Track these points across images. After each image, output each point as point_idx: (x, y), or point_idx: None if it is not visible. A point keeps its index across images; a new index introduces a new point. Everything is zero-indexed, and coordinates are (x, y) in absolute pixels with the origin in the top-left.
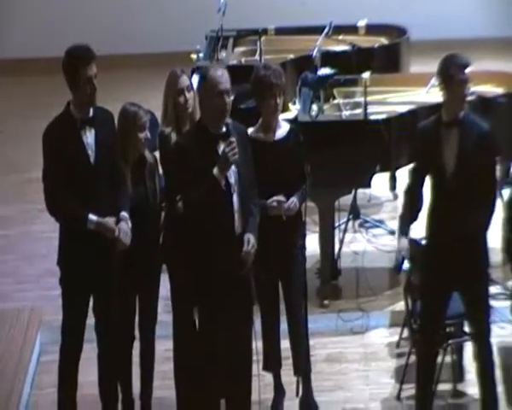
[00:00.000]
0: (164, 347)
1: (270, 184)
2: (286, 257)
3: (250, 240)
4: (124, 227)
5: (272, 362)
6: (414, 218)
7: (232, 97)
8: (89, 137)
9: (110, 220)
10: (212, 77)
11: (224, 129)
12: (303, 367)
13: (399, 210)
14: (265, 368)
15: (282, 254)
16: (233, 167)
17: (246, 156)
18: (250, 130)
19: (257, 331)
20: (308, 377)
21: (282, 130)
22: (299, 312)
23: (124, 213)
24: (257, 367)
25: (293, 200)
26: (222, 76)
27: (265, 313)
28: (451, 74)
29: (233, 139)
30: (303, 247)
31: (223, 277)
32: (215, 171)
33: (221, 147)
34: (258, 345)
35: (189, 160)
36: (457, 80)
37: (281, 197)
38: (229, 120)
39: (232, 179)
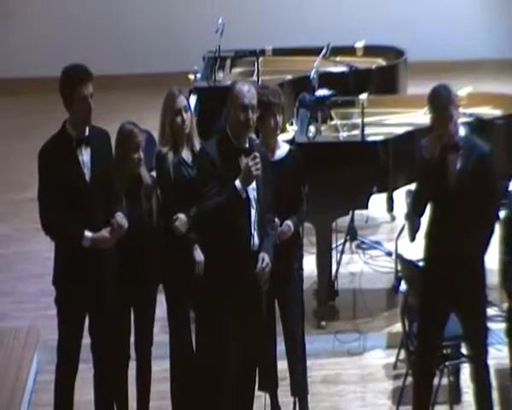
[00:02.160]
0: (160, 367)
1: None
2: (283, 278)
3: (264, 258)
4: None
5: (268, 382)
6: (413, 238)
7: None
8: (84, 155)
9: (105, 231)
10: (238, 90)
11: (248, 144)
12: (300, 388)
13: (397, 232)
14: (261, 388)
15: (278, 275)
16: (254, 185)
17: (266, 179)
18: None
19: None
20: (305, 398)
21: (282, 150)
22: (297, 332)
23: (119, 213)
24: None
25: (288, 223)
26: (248, 91)
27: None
28: (436, 112)
29: (257, 154)
30: (300, 268)
31: (237, 292)
32: (237, 183)
33: (243, 161)
34: None
35: (211, 168)
36: (442, 117)
37: (275, 220)
38: (253, 136)
39: (251, 196)
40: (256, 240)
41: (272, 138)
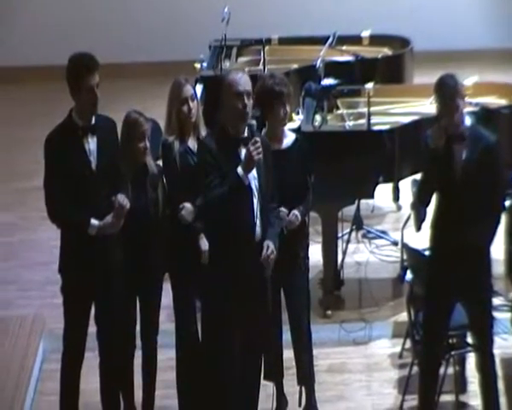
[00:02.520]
0: (166, 356)
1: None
2: (288, 267)
3: (269, 246)
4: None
5: (274, 371)
6: (419, 227)
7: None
8: (91, 144)
9: (109, 217)
10: (231, 79)
11: (246, 132)
12: (306, 377)
13: (403, 221)
14: (267, 377)
15: (284, 264)
16: (254, 174)
17: (266, 166)
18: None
19: None
20: (311, 386)
21: (288, 139)
22: (302, 321)
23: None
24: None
25: (295, 213)
26: (241, 78)
27: None
28: (443, 101)
29: (258, 139)
30: (306, 257)
31: (241, 282)
32: (239, 170)
33: (243, 151)
34: None
35: (212, 160)
36: (448, 107)
37: (283, 209)
38: (253, 122)
39: (253, 185)
40: (258, 230)
41: (280, 128)
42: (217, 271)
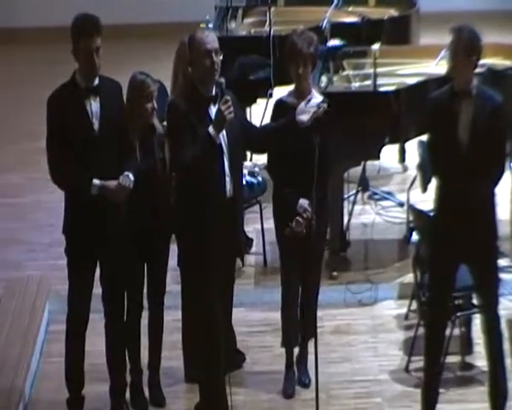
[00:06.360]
0: (172, 317)
1: (294, 149)
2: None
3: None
4: (123, 177)
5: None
6: (425, 188)
7: (220, 65)
8: (93, 105)
9: (113, 183)
10: (199, 38)
11: (214, 91)
12: (310, 331)
13: (409, 182)
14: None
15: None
16: (223, 131)
17: (236, 122)
18: (285, 94)
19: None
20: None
21: (315, 100)
22: (315, 276)
23: (127, 173)
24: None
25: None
26: (208, 36)
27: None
28: (453, 54)
29: (228, 97)
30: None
31: (215, 240)
32: (210, 129)
33: (212, 109)
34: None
35: (183, 122)
36: (458, 61)
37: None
38: (222, 80)
39: (222, 142)
40: (229, 187)
41: (299, 86)
42: (189, 230)
